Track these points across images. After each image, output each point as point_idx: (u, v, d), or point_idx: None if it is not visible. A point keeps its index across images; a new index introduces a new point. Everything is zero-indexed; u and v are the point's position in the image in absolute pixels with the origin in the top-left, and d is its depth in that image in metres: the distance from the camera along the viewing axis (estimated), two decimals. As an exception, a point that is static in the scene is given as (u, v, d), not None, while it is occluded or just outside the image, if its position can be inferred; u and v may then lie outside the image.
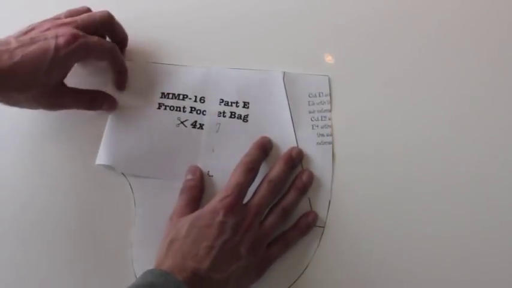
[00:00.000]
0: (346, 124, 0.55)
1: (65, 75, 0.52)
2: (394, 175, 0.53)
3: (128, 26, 0.57)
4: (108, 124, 0.56)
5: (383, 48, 0.57)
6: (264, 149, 0.53)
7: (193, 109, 0.56)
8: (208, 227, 0.48)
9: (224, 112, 0.56)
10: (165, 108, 0.56)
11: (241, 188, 0.50)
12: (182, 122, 0.56)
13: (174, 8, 0.60)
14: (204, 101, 0.56)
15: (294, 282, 0.51)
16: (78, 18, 0.52)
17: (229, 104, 0.56)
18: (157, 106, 0.56)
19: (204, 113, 0.56)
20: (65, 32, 0.49)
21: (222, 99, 0.56)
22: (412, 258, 0.51)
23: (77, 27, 0.51)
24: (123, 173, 0.55)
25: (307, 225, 0.52)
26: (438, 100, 0.54)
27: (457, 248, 0.50)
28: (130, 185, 0.54)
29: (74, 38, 0.49)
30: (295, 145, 0.54)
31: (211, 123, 0.55)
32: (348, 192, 0.53)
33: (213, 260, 0.46)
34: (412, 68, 0.55)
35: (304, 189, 0.53)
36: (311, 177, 0.53)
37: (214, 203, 0.50)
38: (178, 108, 0.56)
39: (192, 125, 0.56)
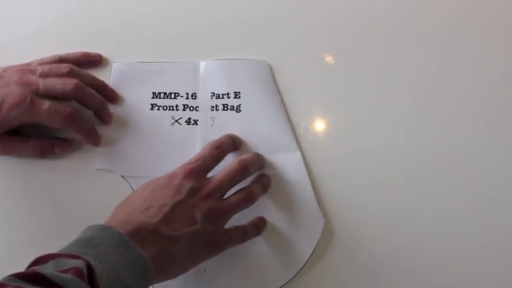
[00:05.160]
0: (344, 123, 0.55)
1: (7, 131, 0.53)
2: (392, 172, 0.53)
3: (115, 25, 0.58)
4: (102, 128, 0.57)
5: (382, 46, 0.56)
6: (233, 138, 0.53)
7: (186, 106, 0.56)
8: (164, 187, 0.47)
9: (217, 105, 0.56)
10: (158, 109, 0.57)
11: (204, 160, 0.50)
12: (177, 121, 0.56)
13: (157, 5, 0.61)
14: (195, 97, 0.57)
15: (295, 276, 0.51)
16: (41, 82, 0.52)
17: (221, 96, 0.56)
18: (150, 107, 0.57)
19: (197, 109, 0.56)
20: (14, 94, 0.50)
21: (213, 93, 0.56)
22: (410, 255, 0.50)
23: (37, 91, 0.51)
24: (122, 176, 0.55)
25: (260, 223, 0.52)
26: (438, 100, 0.54)
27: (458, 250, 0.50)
28: (131, 186, 0.55)
29: (20, 102, 0.50)
30: (290, 130, 0.54)
31: (205, 118, 0.56)
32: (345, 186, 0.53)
33: (165, 216, 0.45)
34: (411, 67, 0.55)
35: (265, 187, 0.52)
36: (269, 181, 0.53)
37: (175, 170, 0.49)
38: (171, 107, 0.56)
39: (186, 122, 0.56)
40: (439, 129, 0.54)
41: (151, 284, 0.43)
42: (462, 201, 0.51)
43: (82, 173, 0.56)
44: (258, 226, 0.52)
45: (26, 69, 0.54)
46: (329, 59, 0.57)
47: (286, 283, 0.50)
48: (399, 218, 0.51)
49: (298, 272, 0.51)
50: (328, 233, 0.51)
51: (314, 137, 0.55)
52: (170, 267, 0.45)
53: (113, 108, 0.57)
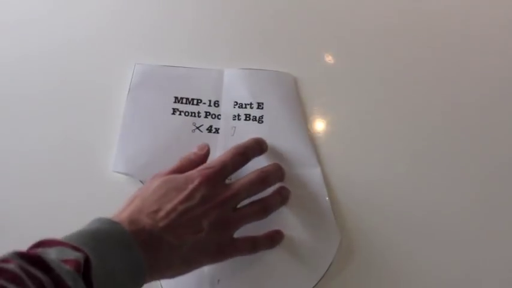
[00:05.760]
0: (344, 126, 0.55)
1: None
2: (395, 177, 0.53)
3: (140, 28, 0.58)
4: (121, 130, 0.56)
5: (384, 50, 0.57)
6: (259, 143, 0.53)
7: (208, 114, 0.56)
8: (178, 190, 0.47)
9: (239, 115, 0.56)
10: (180, 114, 0.56)
11: (224, 165, 0.49)
12: (198, 127, 0.56)
13: (184, 10, 0.60)
14: (218, 105, 0.56)
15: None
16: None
17: (244, 106, 0.56)
18: (171, 111, 0.56)
19: (219, 117, 0.56)
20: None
21: (236, 102, 0.56)
22: (419, 259, 0.51)
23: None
24: (141, 181, 0.55)
25: (276, 237, 0.52)
26: (439, 103, 0.54)
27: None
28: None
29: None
30: (310, 144, 0.54)
31: (227, 127, 0.56)
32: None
33: (171, 222, 0.45)
34: (411, 69, 0.56)
35: (285, 200, 0.52)
36: (289, 194, 0.53)
37: (193, 171, 0.49)
38: (193, 114, 0.56)
39: (207, 129, 0.56)
40: (444, 133, 0.54)
41: (143, 284, 0.43)
42: (481, 200, 0.51)
43: (98, 175, 0.56)
44: (272, 239, 0.52)
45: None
46: (329, 60, 0.57)
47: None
48: (420, 233, 0.51)
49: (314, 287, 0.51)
50: (346, 248, 0.52)
51: (332, 151, 0.55)
52: (166, 272, 0.45)
53: (133, 110, 0.57)
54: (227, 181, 0.51)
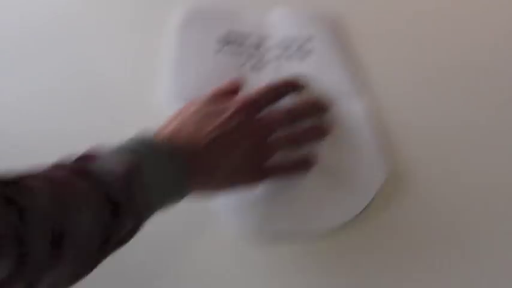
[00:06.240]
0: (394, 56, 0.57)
1: None
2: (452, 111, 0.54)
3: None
4: (169, 68, 0.58)
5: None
6: (295, 80, 0.53)
7: (252, 53, 0.57)
8: (215, 115, 0.48)
9: (284, 54, 0.57)
10: (226, 53, 0.57)
11: (259, 98, 0.50)
12: (243, 66, 0.57)
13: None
14: (263, 45, 0.58)
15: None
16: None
17: (289, 45, 0.57)
18: (217, 50, 0.58)
19: (264, 56, 0.57)
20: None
21: (282, 41, 0.57)
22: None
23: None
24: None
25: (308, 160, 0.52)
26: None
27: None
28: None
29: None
30: (356, 78, 0.55)
31: (272, 65, 0.57)
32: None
33: (208, 143, 0.47)
34: None
35: (321, 134, 0.53)
36: (328, 129, 0.53)
37: (229, 102, 0.50)
38: (237, 52, 0.57)
39: (252, 68, 0.57)
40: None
41: (185, 195, 0.45)
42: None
43: (146, 110, 0.57)
44: (305, 162, 0.52)
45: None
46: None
47: (340, 229, 0.51)
48: (477, 166, 0.52)
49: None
50: (396, 178, 0.52)
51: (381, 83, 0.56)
52: (204, 188, 0.48)
53: (180, 48, 0.58)
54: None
